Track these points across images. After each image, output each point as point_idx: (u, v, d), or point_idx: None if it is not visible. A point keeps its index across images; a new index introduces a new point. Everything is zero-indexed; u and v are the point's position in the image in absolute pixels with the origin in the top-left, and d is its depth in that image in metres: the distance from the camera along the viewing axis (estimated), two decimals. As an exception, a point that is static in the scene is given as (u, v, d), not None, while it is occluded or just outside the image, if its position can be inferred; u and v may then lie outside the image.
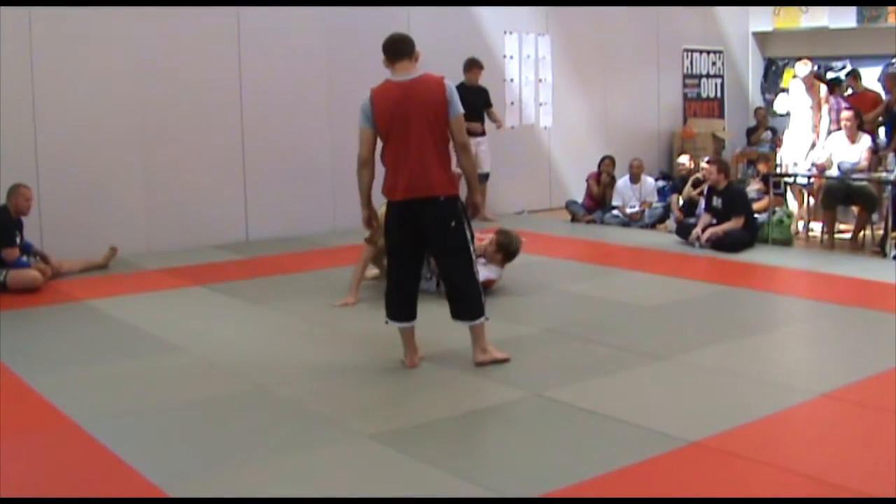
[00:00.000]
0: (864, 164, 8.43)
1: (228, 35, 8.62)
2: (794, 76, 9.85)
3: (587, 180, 10.36)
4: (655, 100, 12.53)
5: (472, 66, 9.65)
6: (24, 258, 6.90)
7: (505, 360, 4.82)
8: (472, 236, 4.81)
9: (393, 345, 5.09)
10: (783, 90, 13.19)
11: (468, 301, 4.76)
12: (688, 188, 9.32)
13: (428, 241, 4.77)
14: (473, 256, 4.78)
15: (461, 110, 4.66)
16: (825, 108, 9.44)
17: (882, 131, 10.37)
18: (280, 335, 5.57)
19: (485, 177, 9.50)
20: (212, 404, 4.32)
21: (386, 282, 4.98)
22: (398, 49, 4.69)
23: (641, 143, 11.89)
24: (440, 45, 9.40)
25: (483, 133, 9.75)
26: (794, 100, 9.69)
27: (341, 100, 9.25)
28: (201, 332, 5.61)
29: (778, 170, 9.38)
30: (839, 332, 5.63)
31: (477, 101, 9.45)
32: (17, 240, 6.89)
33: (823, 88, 9.56)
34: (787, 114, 9.93)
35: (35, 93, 7.56)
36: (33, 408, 4.29)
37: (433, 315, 5.84)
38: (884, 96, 10.63)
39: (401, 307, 4.84)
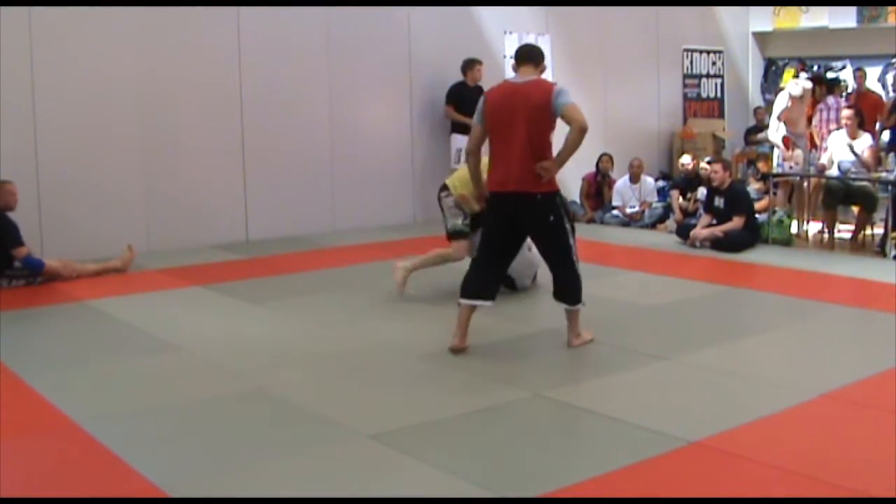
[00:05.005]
0: (868, 159, 8.37)
1: (228, 35, 8.62)
2: (785, 90, 9.92)
3: (582, 180, 10.37)
4: (655, 100, 12.52)
5: (473, 64, 9.64)
6: (32, 255, 6.87)
7: (591, 341, 5.16)
8: (573, 229, 5.04)
9: (394, 344, 5.09)
10: (783, 90, 13.18)
11: (568, 288, 5.05)
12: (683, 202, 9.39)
13: (527, 232, 5.12)
14: (573, 248, 5.01)
15: (570, 101, 4.78)
16: (819, 109, 9.50)
17: (887, 134, 10.38)
18: (280, 335, 5.57)
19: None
20: (212, 404, 4.31)
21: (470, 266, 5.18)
22: (523, 55, 5.06)
23: (641, 143, 11.88)
24: (440, 45, 9.40)
25: None
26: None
27: (341, 100, 9.26)
28: (202, 332, 5.61)
29: (778, 170, 9.38)
30: (840, 332, 5.63)
31: (477, 101, 9.42)
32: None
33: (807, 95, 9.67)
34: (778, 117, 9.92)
35: (35, 93, 7.56)
36: (33, 408, 4.28)
37: (431, 317, 5.85)
38: (884, 97, 10.65)
39: (476, 285, 5.01)
